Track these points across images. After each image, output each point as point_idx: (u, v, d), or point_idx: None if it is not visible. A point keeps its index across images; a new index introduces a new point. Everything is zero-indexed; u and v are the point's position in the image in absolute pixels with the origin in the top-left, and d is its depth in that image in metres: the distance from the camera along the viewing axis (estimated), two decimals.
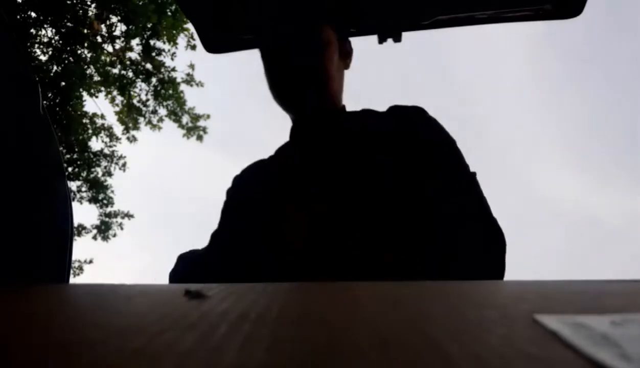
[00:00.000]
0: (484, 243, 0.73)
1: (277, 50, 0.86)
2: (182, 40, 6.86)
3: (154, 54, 6.93)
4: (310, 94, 0.86)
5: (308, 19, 0.88)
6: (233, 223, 0.90)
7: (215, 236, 0.90)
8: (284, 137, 1.00)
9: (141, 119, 7.49)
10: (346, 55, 0.94)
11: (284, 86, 0.88)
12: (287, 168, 0.88)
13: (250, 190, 0.91)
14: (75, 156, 7.09)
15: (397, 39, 1.09)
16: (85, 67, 6.79)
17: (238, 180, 0.97)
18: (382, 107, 0.91)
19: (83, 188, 7.37)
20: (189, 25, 6.08)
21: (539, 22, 1.07)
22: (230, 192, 0.95)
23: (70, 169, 6.99)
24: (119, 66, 7.13)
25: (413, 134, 0.82)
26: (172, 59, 7.00)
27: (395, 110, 0.89)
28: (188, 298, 0.34)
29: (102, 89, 7.29)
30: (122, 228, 7.59)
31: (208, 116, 7.60)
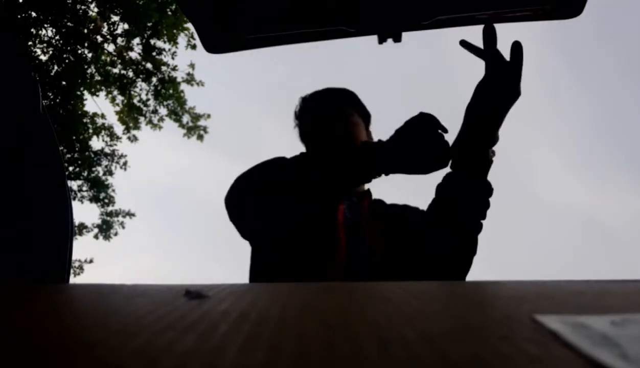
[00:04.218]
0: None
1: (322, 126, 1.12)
2: (182, 39, 6.86)
3: (154, 53, 6.93)
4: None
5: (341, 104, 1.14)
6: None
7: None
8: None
9: (142, 119, 7.47)
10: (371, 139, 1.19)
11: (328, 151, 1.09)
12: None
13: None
14: (75, 155, 7.08)
15: (397, 39, 1.09)
16: (86, 66, 6.79)
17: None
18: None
19: (84, 188, 7.36)
20: (190, 25, 6.08)
21: (538, 22, 1.07)
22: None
23: (70, 168, 6.99)
24: (119, 66, 7.13)
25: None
26: (172, 58, 7.00)
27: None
28: (188, 299, 0.34)
29: (103, 88, 7.28)
30: (123, 227, 7.59)
31: (208, 116, 7.59)
